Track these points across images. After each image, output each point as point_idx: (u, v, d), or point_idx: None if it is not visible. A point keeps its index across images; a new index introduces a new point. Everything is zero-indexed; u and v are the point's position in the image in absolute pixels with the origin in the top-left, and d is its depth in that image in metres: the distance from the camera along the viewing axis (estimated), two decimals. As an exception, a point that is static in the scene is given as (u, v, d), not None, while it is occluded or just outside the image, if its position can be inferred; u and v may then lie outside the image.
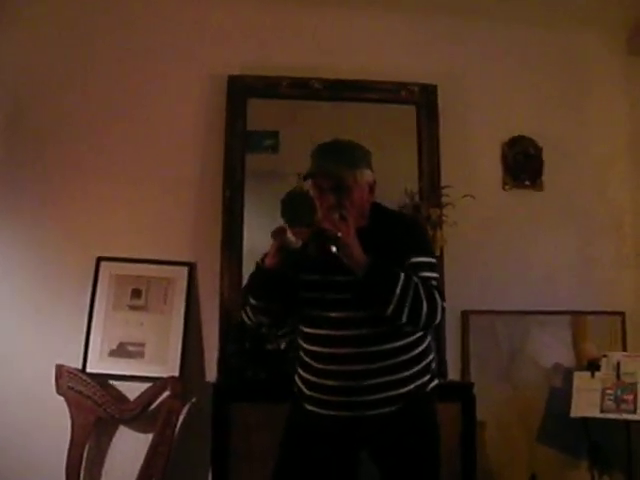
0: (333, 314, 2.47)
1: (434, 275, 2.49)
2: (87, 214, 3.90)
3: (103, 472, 3.79)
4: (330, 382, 2.50)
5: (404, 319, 2.33)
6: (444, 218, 3.69)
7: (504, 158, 4.11)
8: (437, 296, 2.40)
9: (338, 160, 2.47)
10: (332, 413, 2.51)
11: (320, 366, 2.52)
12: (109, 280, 3.84)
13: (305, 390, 2.59)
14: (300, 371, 2.63)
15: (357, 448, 2.56)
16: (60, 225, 3.89)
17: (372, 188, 2.55)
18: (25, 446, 3.73)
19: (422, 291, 2.34)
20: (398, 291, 2.30)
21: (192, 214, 3.93)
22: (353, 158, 2.51)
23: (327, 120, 3.97)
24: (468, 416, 3.49)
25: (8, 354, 3.79)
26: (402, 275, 2.32)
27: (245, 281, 3.67)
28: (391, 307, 2.31)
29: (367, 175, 2.53)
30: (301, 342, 2.62)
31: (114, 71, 3.98)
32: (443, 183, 3.86)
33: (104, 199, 3.91)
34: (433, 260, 2.52)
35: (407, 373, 2.48)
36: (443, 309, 2.44)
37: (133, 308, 3.83)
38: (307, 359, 2.58)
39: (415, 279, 2.35)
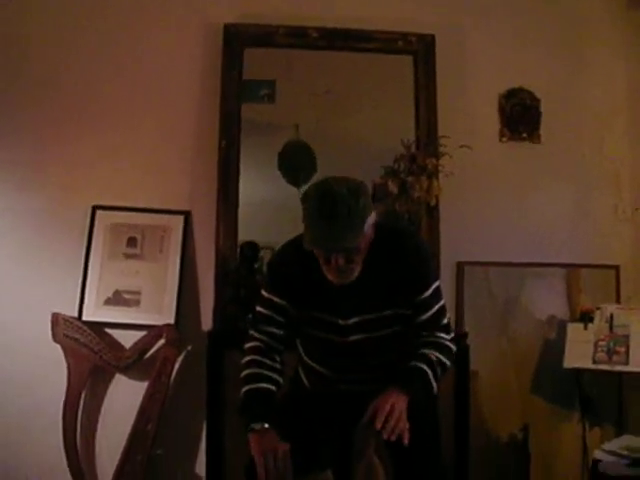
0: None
1: (440, 305, 2.43)
2: (83, 163, 3.88)
3: (99, 419, 3.83)
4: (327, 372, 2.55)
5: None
6: (440, 168, 3.67)
7: (501, 110, 4.08)
8: (448, 343, 2.41)
9: (346, 227, 2.18)
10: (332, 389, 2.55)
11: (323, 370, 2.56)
12: (105, 229, 3.84)
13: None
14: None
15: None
16: (56, 174, 3.88)
17: (375, 222, 2.33)
18: (22, 394, 3.77)
19: (443, 358, 2.37)
20: (435, 384, 2.34)
21: (188, 163, 3.91)
22: (358, 214, 2.20)
23: (323, 70, 3.96)
24: (462, 366, 3.51)
25: (4, 303, 3.81)
26: (429, 371, 2.32)
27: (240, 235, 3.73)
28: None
29: (370, 221, 2.26)
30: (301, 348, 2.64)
31: (111, 20, 3.94)
32: (440, 134, 3.82)
33: (100, 148, 3.89)
34: (437, 284, 2.44)
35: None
36: (454, 339, 2.47)
37: (129, 256, 3.83)
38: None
39: (435, 358, 2.34)
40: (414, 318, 2.39)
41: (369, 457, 2.19)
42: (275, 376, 2.43)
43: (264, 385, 2.39)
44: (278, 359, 2.47)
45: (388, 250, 2.36)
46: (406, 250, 2.40)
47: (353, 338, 2.42)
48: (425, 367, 2.31)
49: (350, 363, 2.49)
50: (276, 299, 2.45)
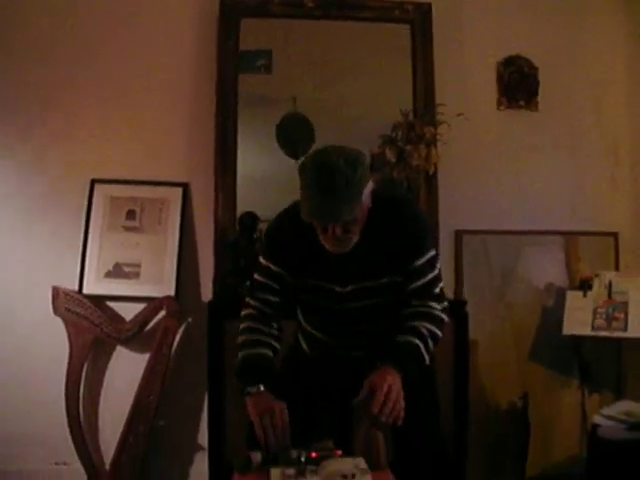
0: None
1: (434, 274, 2.40)
2: (81, 137, 3.89)
3: (102, 392, 3.86)
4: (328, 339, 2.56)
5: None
6: (438, 137, 3.67)
7: (499, 78, 4.06)
8: (440, 313, 2.39)
9: (343, 199, 2.16)
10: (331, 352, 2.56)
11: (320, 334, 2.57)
12: (104, 202, 3.85)
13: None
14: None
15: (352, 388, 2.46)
16: (54, 148, 3.88)
17: (373, 191, 2.31)
18: (25, 368, 3.79)
19: (435, 329, 2.34)
20: (427, 357, 2.32)
21: (186, 135, 3.91)
22: (356, 185, 2.19)
23: (320, 39, 3.94)
24: (461, 333, 3.53)
25: (4, 277, 3.82)
26: (421, 345, 2.30)
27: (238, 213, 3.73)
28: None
29: (368, 190, 2.26)
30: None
31: (107, -8, 3.93)
32: (437, 102, 3.82)
33: (98, 122, 3.90)
34: (433, 253, 2.42)
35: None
36: (446, 309, 2.44)
37: (128, 229, 3.84)
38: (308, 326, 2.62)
39: (426, 330, 2.32)
40: (406, 285, 2.38)
41: (368, 425, 2.20)
42: (271, 341, 2.44)
43: (260, 350, 2.40)
44: (275, 326, 2.47)
45: (385, 218, 2.35)
46: (403, 217, 2.40)
47: (350, 305, 2.43)
48: (417, 341, 2.30)
49: (347, 330, 2.50)
50: (273, 266, 2.45)
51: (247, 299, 2.52)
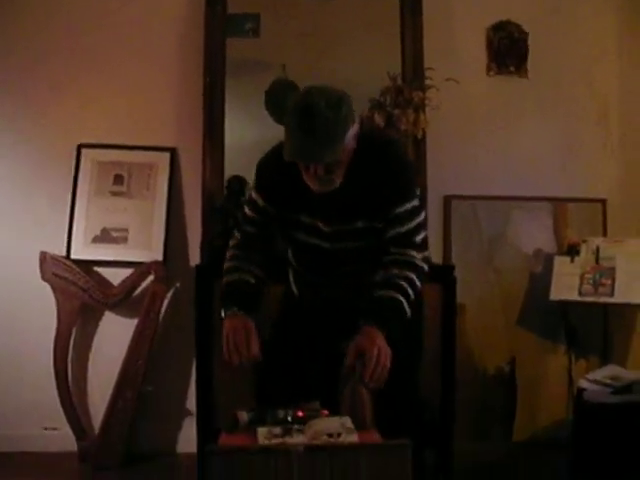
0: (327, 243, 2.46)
1: (416, 222, 2.38)
2: (67, 101, 3.87)
3: (90, 357, 3.88)
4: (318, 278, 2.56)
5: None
6: (427, 101, 3.64)
7: (489, 43, 4.02)
8: (419, 262, 2.36)
9: (324, 140, 2.17)
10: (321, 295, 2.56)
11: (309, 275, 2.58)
12: (91, 167, 3.83)
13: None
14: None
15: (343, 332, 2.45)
16: (41, 113, 3.87)
17: (358, 133, 2.30)
18: (12, 333, 3.81)
19: (415, 278, 2.33)
20: (409, 311, 2.31)
21: (173, 99, 3.89)
22: (337, 127, 2.18)
23: (309, 3, 3.90)
24: (449, 298, 3.51)
25: (-8, 243, 3.81)
26: (403, 300, 2.29)
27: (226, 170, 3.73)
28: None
29: (353, 130, 2.25)
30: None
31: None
32: (426, 67, 3.79)
33: (85, 86, 3.88)
34: (416, 203, 2.39)
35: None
36: (428, 258, 2.44)
37: (115, 194, 3.83)
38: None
39: (406, 282, 2.31)
40: (386, 232, 2.36)
41: (354, 383, 2.21)
42: (253, 269, 2.47)
43: (241, 276, 2.44)
44: (259, 257, 2.50)
45: (370, 161, 2.34)
46: (388, 162, 2.38)
47: (336, 246, 2.43)
48: (399, 296, 2.29)
49: (334, 270, 2.49)
50: (260, 201, 2.47)
51: (234, 231, 2.57)
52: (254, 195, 2.50)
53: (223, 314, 2.39)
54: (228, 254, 2.53)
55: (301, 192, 2.36)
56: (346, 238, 2.42)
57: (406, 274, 2.32)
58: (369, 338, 2.20)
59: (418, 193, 2.43)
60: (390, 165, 2.38)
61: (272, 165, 2.44)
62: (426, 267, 2.40)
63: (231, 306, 2.38)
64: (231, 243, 2.55)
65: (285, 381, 2.43)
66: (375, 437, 2.07)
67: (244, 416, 2.13)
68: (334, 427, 1.98)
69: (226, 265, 2.50)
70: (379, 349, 2.18)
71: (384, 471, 1.87)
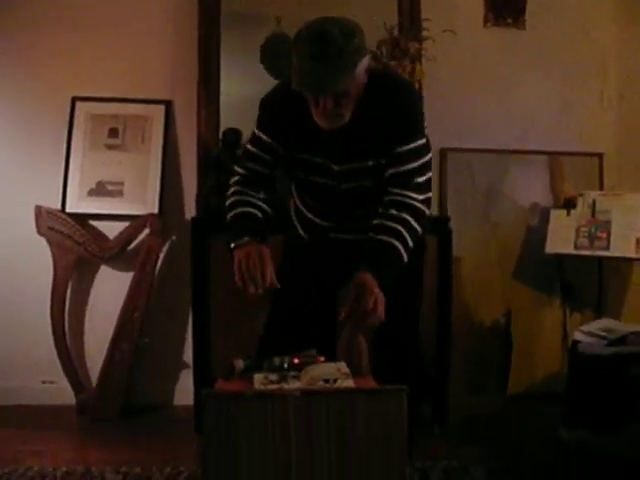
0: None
1: (420, 163, 2.32)
2: (61, 54, 3.85)
3: (87, 310, 3.89)
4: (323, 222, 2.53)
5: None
6: (423, 53, 3.61)
7: (486, -6, 4.01)
8: (419, 204, 2.31)
9: (336, 69, 2.11)
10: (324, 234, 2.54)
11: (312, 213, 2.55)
12: (85, 120, 3.81)
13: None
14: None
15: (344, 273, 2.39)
16: (34, 65, 3.84)
17: (369, 68, 2.24)
18: (9, 288, 3.82)
19: (413, 222, 2.28)
20: (405, 254, 2.26)
21: (168, 52, 3.86)
22: (349, 56, 2.13)
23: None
24: (445, 250, 3.52)
25: (-13, 198, 3.80)
26: (399, 246, 2.25)
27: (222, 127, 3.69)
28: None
29: (364, 63, 2.20)
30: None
31: None
32: (423, 17, 3.75)
33: (79, 38, 3.84)
34: (422, 142, 2.33)
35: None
36: (428, 200, 2.39)
37: (110, 147, 3.81)
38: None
39: (404, 228, 2.26)
40: (386, 170, 2.32)
41: (350, 329, 2.22)
42: (259, 203, 2.41)
43: (247, 209, 2.38)
44: (263, 193, 2.43)
45: (380, 96, 2.29)
46: (397, 97, 2.33)
47: (343, 186, 2.39)
48: (395, 241, 2.25)
49: (343, 212, 2.46)
50: (264, 137, 2.40)
51: (236, 167, 2.50)
52: (257, 132, 2.42)
53: (233, 245, 2.31)
54: (231, 190, 2.45)
55: (309, 129, 2.30)
56: (356, 177, 2.38)
57: (404, 216, 2.28)
58: (361, 284, 2.17)
59: (426, 133, 2.38)
60: (398, 102, 2.32)
61: (278, 101, 2.38)
62: (427, 210, 2.36)
63: (242, 236, 2.30)
64: (233, 180, 2.47)
65: (292, 327, 2.41)
66: (371, 383, 2.08)
67: (240, 364, 2.13)
68: (330, 372, 1.98)
69: (231, 200, 2.43)
70: (371, 295, 2.15)
71: (380, 416, 1.86)
